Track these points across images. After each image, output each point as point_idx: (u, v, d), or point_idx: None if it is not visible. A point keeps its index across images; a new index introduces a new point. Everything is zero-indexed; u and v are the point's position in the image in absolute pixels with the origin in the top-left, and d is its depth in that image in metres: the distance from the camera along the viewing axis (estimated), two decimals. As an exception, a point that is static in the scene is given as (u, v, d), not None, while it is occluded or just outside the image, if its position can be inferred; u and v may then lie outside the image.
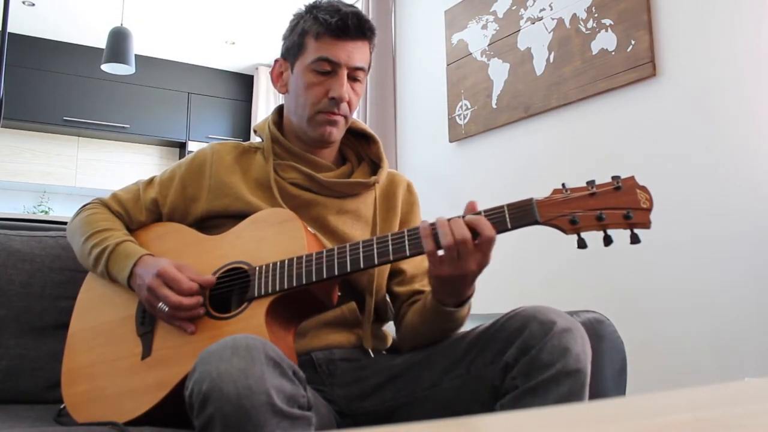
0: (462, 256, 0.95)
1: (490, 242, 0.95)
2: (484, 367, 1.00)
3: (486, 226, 0.94)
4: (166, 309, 1.05)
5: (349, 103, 1.19)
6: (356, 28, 1.17)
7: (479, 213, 0.96)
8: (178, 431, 1.00)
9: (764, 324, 1.81)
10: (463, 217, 0.96)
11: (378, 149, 1.29)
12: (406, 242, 0.99)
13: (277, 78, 1.26)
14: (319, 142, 1.22)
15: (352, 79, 1.19)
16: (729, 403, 0.45)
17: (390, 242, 1.00)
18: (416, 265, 1.25)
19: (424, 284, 1.23)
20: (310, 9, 1.20)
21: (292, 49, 1.21)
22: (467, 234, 0.94)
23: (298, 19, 1.21)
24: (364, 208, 1.24)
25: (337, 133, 1.21)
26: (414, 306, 1.18)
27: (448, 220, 0.96)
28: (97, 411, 1.08)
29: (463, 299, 1.06)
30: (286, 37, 1.24)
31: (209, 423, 0.79)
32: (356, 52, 1.17)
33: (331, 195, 1.21)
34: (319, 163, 1.24)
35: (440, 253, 0.96)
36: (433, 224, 0.97)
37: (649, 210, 0.92)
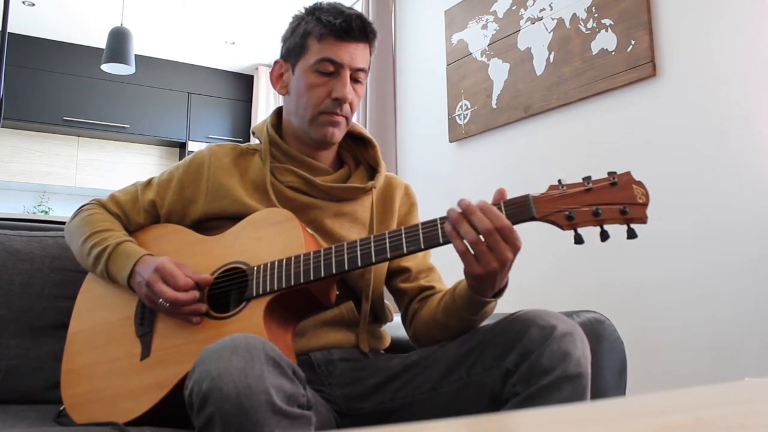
0: (495, 247, 0.92)
1: (508, 230, 0.92)
2: (483, 372, 1.00)
3: (497, 216, 0.92)
4: (167, 305, 1.06)
5: (350, 104, 1.19)
6: (359, 29, 1.17)
7: (498, 204, 0.94)
8: (178, 431, 1.00)
9: (764, 324, 1.81)
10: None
11: (376, 153, 1.29)
12: (404, 240, 0.99)
13: (277, 79, 1.26)
14: (321, 143, 1.22)
15: (354, 80, 1.19)
16: (729, 403, 0.45)
17: (387, 240, 1.00)
18: (419, 262, 1.25)
19: (429, 280, 1.23)
20: (312, 11, 1.20)
21: (294, 50, 1.21)
22: (489, 223, 0.91)
23: (299, 20, 1.22)
24: (361, 211, 1.24)
25: (339, 134, 1.21)
26: (430, 301, 1.17)
27: (462, 214, 0.93)
28: (97, 412, 1.08)
29: (500, 288, 1.03)
30: (286, 39, 1.24)
31: (209, 422, 0.80)
32: (358, 54, 1.18)
33: (328, 198, 1.21)
34: (317, 166, 1.24)
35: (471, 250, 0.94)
36: (453, 223, 0.94)
37: (645, 205, 0.93)
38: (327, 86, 1.17)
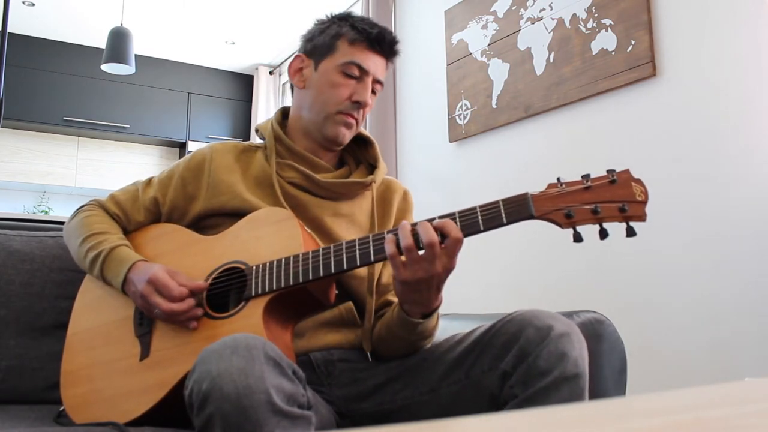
0: (428, 259, 0.95)
1: (456, 244, 0.95)
2: (482, 373, 1.00)
3: (453, 228, 0.95)
4: (162, 315, 1.06)
5: (364, 110, 1.23)
6: (390, 45, 1.23)
7: (453, 215, 0.97)
8: (178, 431, 1.00)
9: (764, 324, 1.81)
10: (432, 220, 0.97)
11: (375, 151, 1.30)
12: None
13: (296, 72, 1.28)
14: (331, 141, 1.23)
15: (371, 90, 1.23)
16: (729, 403, 0.45)
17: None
18: (390, 274, 1.25)
19: (394, 294, 1.23)
20: (345, 17, 1.25)
21: (321, 48, 1.24)
22: (434, 236, 0.95)
23: (330, 23, 1.25)
24: (359, 213, 1.25)
25: (349, 137, 1.24)
26: (383, 318, 1.18)
27: (414, 224, 0.97)
28: (97, 412, 1.08)
29: (429, 310, 1.06)
30: (314, 37, 1.26)
31: (209, 422, 0.80)
32: (381, 67, 1.24)
33: (327, 197, 1.22)
34: (318, 163, 1.24)
35: (403, 258, 0.97)
36: (395, 230, 0.98)
37: (644, 203, 0.92)
38: (350, 88, 1.20)
